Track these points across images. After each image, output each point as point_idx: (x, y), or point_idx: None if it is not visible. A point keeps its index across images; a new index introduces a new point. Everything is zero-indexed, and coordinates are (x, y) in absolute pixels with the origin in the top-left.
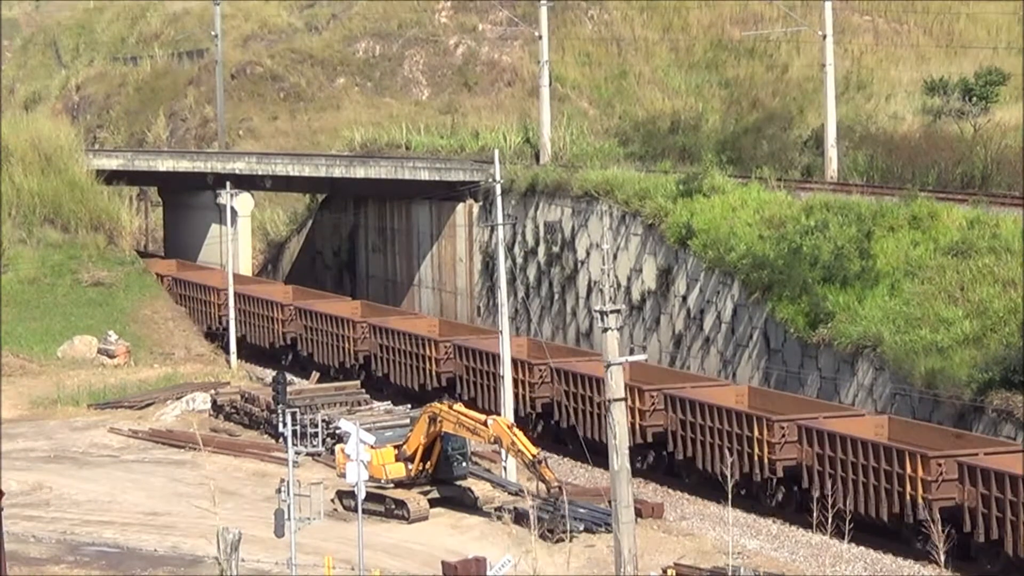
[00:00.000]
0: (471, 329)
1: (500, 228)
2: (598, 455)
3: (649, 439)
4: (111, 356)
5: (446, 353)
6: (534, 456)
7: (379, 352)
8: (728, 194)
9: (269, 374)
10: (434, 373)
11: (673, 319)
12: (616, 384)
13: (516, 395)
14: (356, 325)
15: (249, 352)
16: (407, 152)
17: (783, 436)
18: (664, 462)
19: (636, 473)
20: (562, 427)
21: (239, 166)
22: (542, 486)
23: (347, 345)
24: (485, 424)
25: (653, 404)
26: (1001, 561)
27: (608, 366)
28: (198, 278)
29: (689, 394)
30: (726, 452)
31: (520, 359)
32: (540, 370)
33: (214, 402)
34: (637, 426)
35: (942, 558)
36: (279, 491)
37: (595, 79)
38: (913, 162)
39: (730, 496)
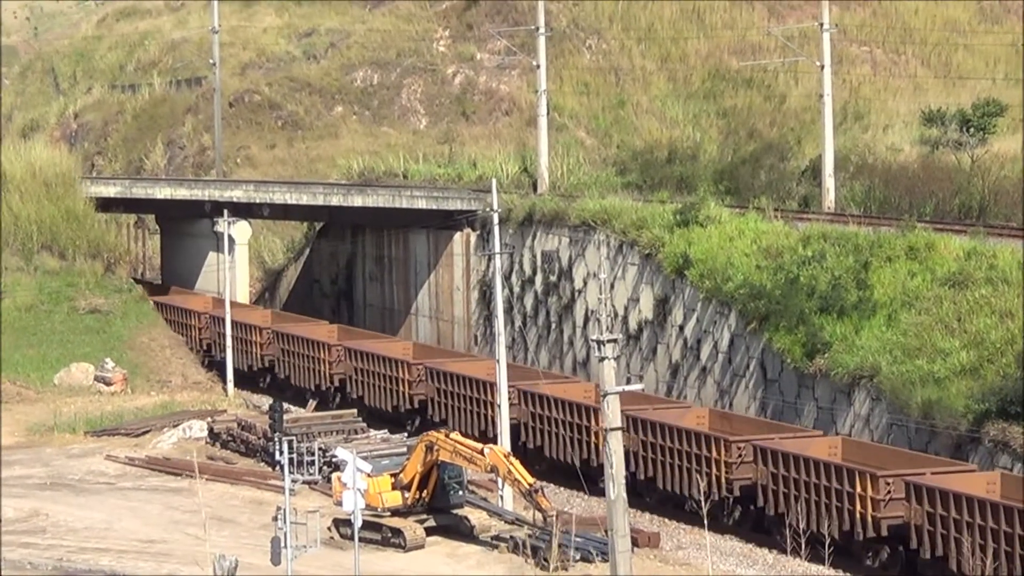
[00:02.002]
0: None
1: (497, 257)
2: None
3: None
4: (108, 383)
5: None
6: (531, 485)
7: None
8: (725, 224)
9: (266, 402)
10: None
11: (670, 349)
12: (613, 414)
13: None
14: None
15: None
16: (405, 181)
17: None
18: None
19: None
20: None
21: (237, 194)
22: (539, 515)
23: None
24: (482, 453)
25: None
26: None
27: (605, 395)
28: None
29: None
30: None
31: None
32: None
33: (211, 430)
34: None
35: None
36: (275, 519)
37: (593, 109)
38: (911, 193)
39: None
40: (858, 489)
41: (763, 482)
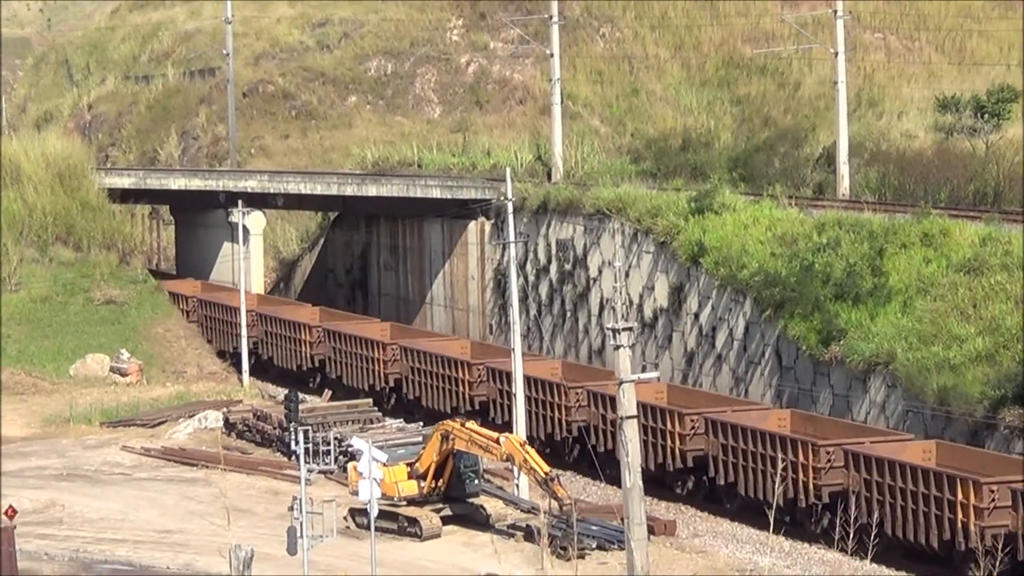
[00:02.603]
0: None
1: (512, 246)
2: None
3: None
4: (123, 374)
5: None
6: (547, 474)
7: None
8: (740, 212)
9: (281, 392)
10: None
11: (685, 336)
12: (628, 402)
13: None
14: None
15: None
16: (419, 170)
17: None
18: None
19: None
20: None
21: (251, 184)
22: (555, 503)
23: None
24: (497, 442)
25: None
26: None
27: (620, 384)
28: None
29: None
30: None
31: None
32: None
33: (226, 420)
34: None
35: None
36: (292, 509)
37: (607, 97)
38: (925, 179)
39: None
40: (959, 497)
41: (855, 488)
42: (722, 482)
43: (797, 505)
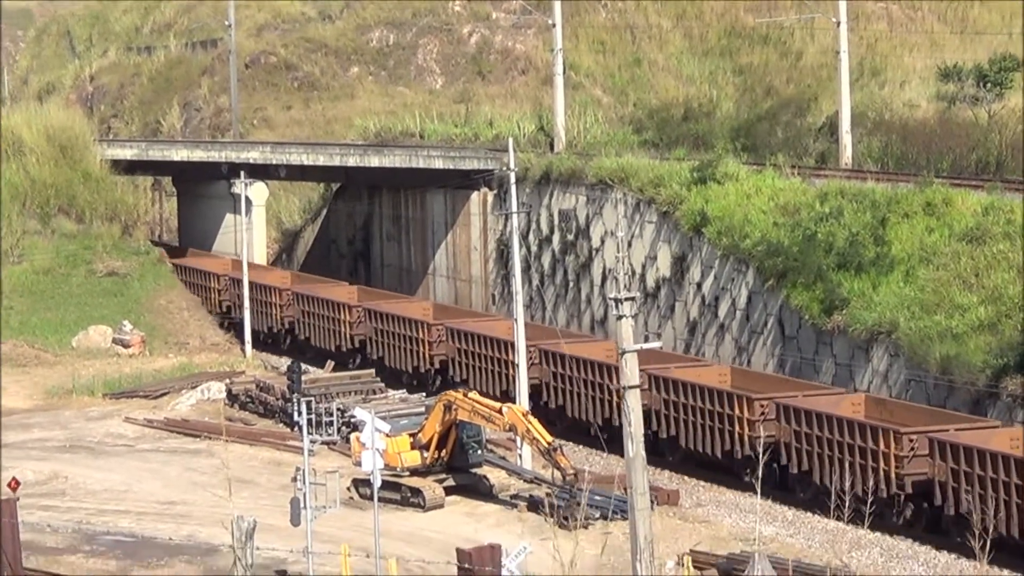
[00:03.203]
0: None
1: (514, 216)
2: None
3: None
4: (126, 346)
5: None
6: (549, 444)
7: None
8: (742, 181)
9: (284, 363)
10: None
11: (688, 306)
12: (631, 371)
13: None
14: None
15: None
16: (421, 141)
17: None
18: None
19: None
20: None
21: (253, 156)
22: (558, 474)
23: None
24: (500, 412)
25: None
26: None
27: (623, 353)
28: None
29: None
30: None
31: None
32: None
33: (229, 391)
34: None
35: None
36: (295, 480)
37: (609, 67)
38: (927, 148)
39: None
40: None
41: (942, 478)
42: (795, 471)
43: (879, 496)
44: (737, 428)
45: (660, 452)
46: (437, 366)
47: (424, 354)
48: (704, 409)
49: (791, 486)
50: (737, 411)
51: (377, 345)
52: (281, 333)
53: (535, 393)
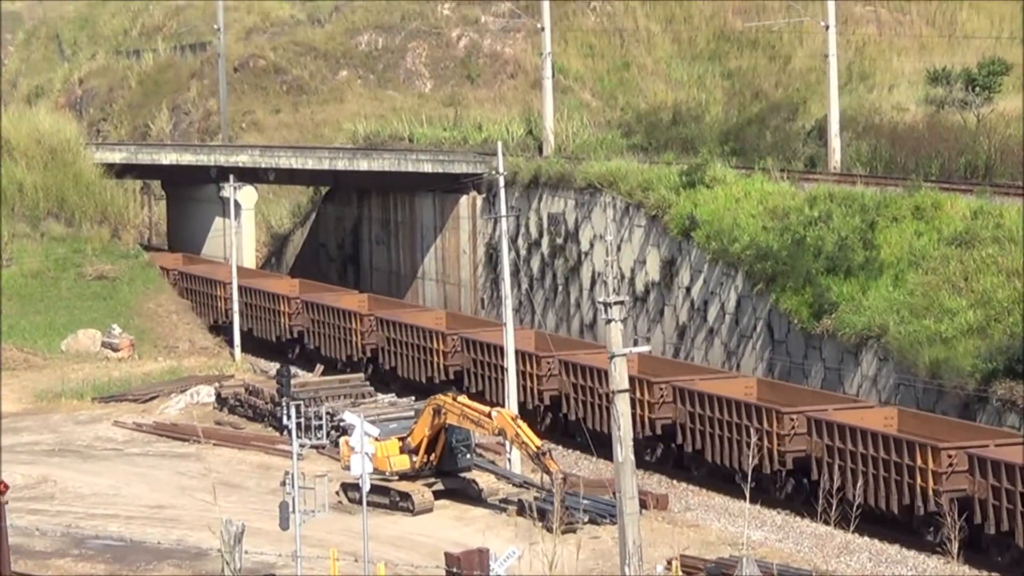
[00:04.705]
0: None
1: (504, 220)
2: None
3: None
4: (115, 349)
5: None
6: (538, 448)
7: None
8: (731, 185)
9: (273, 367)
10: (441, 366)
11: (677, 310)
12: (620, 375)
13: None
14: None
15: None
16: (410, 145)
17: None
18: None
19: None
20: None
21: (242, 159)
22: (547, 478)
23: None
24: (489, 416)
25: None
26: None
27: (612, 357)
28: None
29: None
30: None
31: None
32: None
33: (218, 395)
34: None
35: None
36: (283, 484)
37: (598, 71)
38: (916, 152)
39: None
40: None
41: (981, 496)
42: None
43: (914, 512)
44: (766, 442)
45: (686, 466)
46: (451, 376)
47: (439, 364)
48: (731, 423)
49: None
50: (767, 425)
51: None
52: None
53: (555, 406)
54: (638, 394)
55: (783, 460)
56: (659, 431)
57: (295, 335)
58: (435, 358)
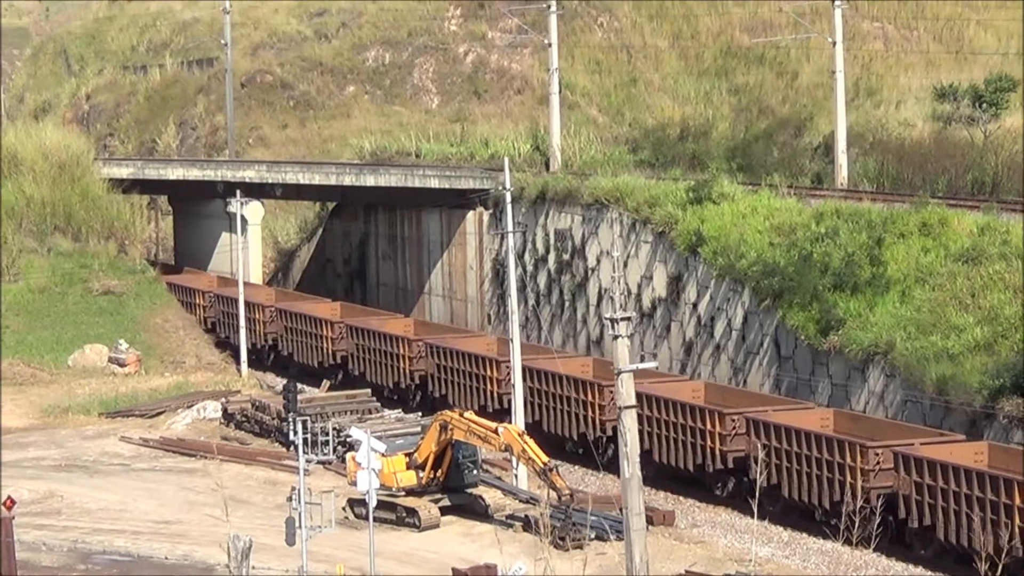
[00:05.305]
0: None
1: (510, 236)
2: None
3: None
4: (122, 365)
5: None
6: (545, 464)
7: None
8: (738, 201)
9: (280, 382)
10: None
11: (684, 326)
12: (627, 392)
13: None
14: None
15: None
16: (417, 160)
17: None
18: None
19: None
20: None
21: (249, 174)
22: (553, 494)
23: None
24: (496, 432)
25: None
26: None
27: (619, 374)
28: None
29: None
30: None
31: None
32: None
33: (225, 411)
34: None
35: None
36: (290, 499)
37: (605, 87)
38: (923, 168)
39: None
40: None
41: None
42: (916, 524)
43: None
44: (849, 479)
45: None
46: (504, 405)
47: (492, 392)
48: (806, 456)
49: (908, 541)
50: (849, 460)
51: (438, 382)
52: (265, 349)
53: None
54: (708, 425)
55: (868, 499)
56: (731, 464)
57: (338, 360)
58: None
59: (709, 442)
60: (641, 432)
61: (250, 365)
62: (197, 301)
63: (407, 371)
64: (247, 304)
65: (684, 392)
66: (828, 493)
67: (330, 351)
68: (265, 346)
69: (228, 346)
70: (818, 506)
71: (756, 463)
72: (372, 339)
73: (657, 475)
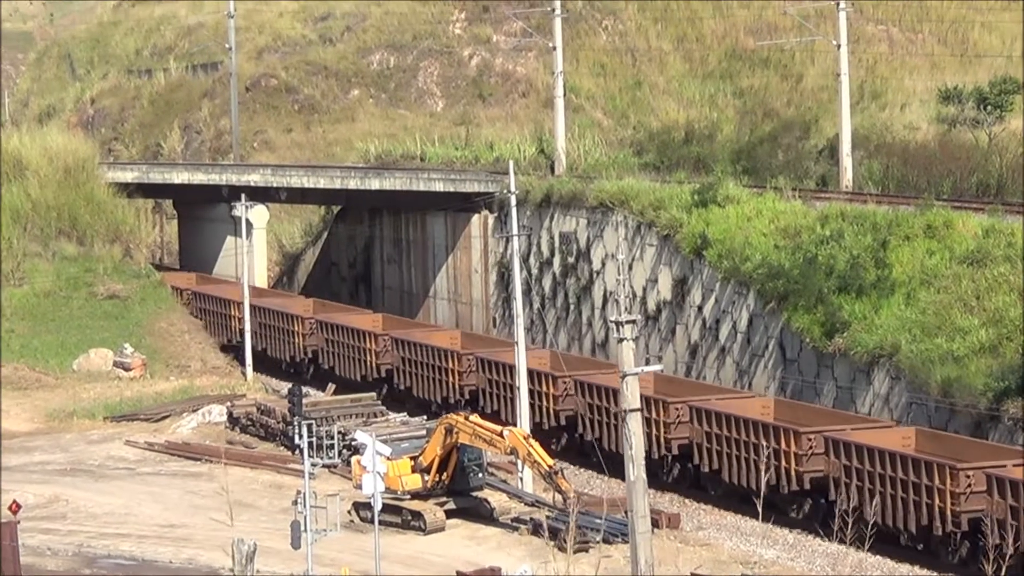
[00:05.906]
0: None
1: (515, 239)
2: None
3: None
4: (127, 369)
5: (468, 366)
6: (550, 467)
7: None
8: (743, 204)
9: (285, 386)
10: (456, 386)
11: (689, 329)
12: (632, 395)
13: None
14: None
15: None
16: (422, 163)
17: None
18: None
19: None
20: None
21: (254, 178)
22: (559, 497)
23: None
24: (501, 435)
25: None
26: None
27: (624, 376)
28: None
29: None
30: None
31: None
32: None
33: (230, 414)
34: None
35: None
36: (295, 503)
37: (609, 90)
38: (928, 171)
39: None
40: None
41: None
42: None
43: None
44: (783, 462)
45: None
46: (467, 396)
47: (454, 384)
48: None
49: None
50: (937, 482)
51: (488, 396)
52: (304, 362)
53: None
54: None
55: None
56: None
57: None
58: (450, 378)
59: (784, 462)
60: (710, 451)
61: (289, 378)
62: (232, 313)
63: (456, 386)
64: (284, 316)
65: (752, 409)
66: (915, 516)
67: (374, 364)
68: (304, 359)
69: (270, 360)
70: (903, 530)
71: (836, 485)
72: (419, 352)
73: (727, 495)
